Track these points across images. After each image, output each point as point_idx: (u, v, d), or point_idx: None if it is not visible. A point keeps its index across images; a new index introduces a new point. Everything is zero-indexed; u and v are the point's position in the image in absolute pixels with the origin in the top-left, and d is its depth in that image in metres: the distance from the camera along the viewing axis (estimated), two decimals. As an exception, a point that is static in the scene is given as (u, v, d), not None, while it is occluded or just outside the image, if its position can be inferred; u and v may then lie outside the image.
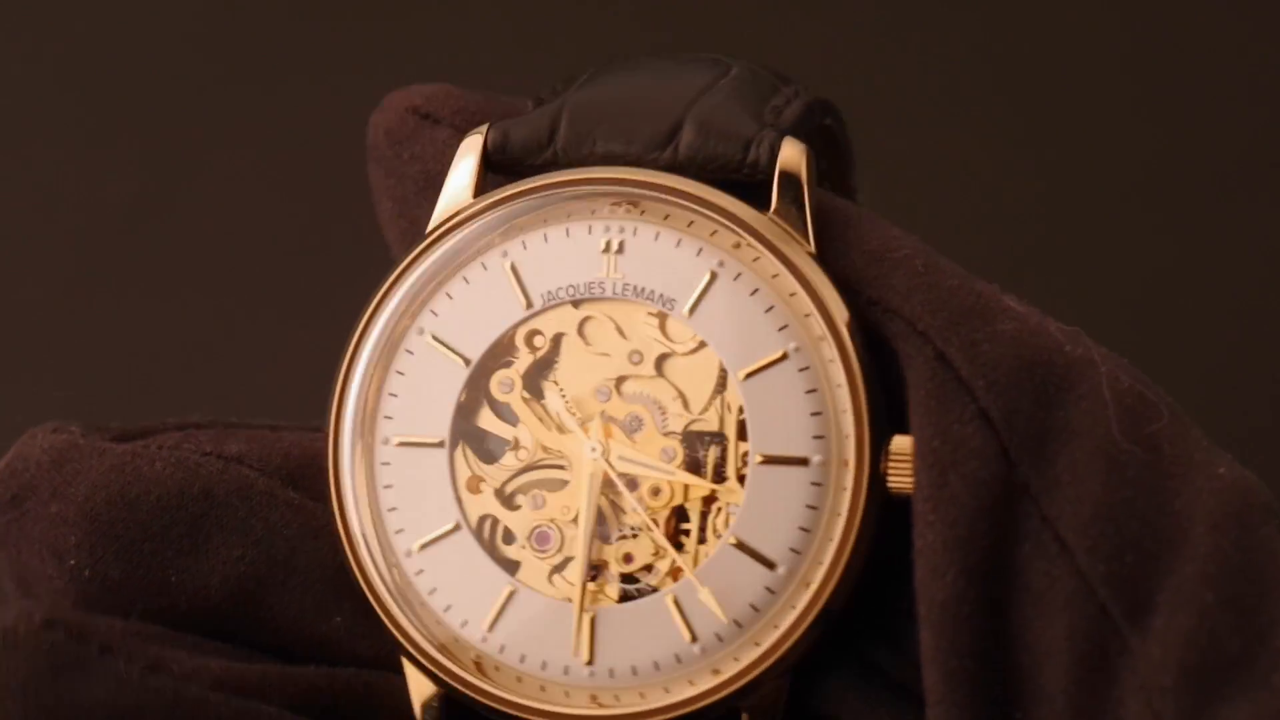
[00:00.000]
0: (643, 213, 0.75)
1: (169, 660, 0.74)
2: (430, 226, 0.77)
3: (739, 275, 0.75)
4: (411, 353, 0.76)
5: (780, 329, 0.74)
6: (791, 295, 0.74)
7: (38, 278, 1.44)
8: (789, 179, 0.75)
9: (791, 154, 0.75)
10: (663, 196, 0.75)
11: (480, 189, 0.77)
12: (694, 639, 0.74)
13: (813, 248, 0.75)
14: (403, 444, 0.76)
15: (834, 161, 0.85)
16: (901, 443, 0.73)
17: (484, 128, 0.77)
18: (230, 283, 1.44)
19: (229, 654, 0.76)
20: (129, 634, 0.75)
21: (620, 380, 0.76)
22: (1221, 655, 0.67)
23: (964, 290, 0.73)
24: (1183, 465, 0.70)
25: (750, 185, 0.75)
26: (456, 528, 0.75)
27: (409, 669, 0.76)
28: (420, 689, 0.76)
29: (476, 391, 0.76)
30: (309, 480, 0.78)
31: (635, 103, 0.77)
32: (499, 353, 0.76)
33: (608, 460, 0.75)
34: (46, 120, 1.47)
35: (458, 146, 0.77)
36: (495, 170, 0.77)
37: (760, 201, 0.75)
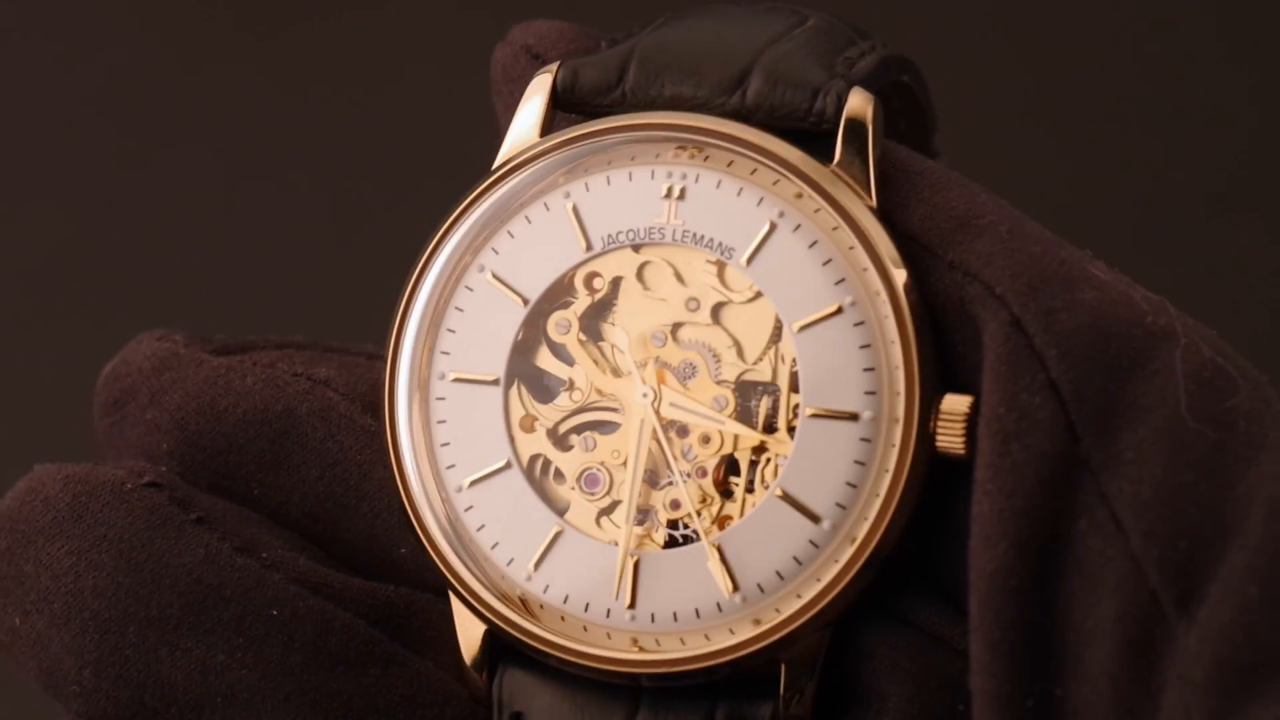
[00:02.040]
0: (706, 158, 0.75)
1: (261, 545, 0.76)
2: (496, 164, 0.77)
3: (798, 227, 0.74)
4: (471, 289, 0.77)
5: (837, 282, 0.74)
6: (850, 249, 0.74)
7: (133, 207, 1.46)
8: (854, 130, 0.74)
9: (858, 104, 0.74)
10: (726, 144, 0.75)
11: (548, 128, 0.77)
12: (736, 588, 0.74)
13: (874, 201, 0.74)
14: (459, 379, 0.76)
15: (914, 121, 0.84)
16: (953, 402, 0.73)
17: (554, 66, 0.77)
18: (299, 215, 1.45)
19: (317, 558, 0.78)
20: (229, 513, 0.77)
21: (676, 326, 0.76)
22: (1259, 652, 0.66)
23: (1047, 257, 0.72)
24: (1254, 445, 0.69)
25: (816, 135, 0.75)
26: (507, 465, 0.76)
27: (456, 605, 0.76)
28: (466, 625, 0.76)
29: (534, 331, 0.76)
30: None
31: (706, 47, 0.77)
32: (557, 293, 0.76)
33: (659, 406, 0.75)
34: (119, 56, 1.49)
35: None
36: (564, 109, 0.78)
37: (826, 153, 0.75)
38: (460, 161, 0.84)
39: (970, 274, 0.72)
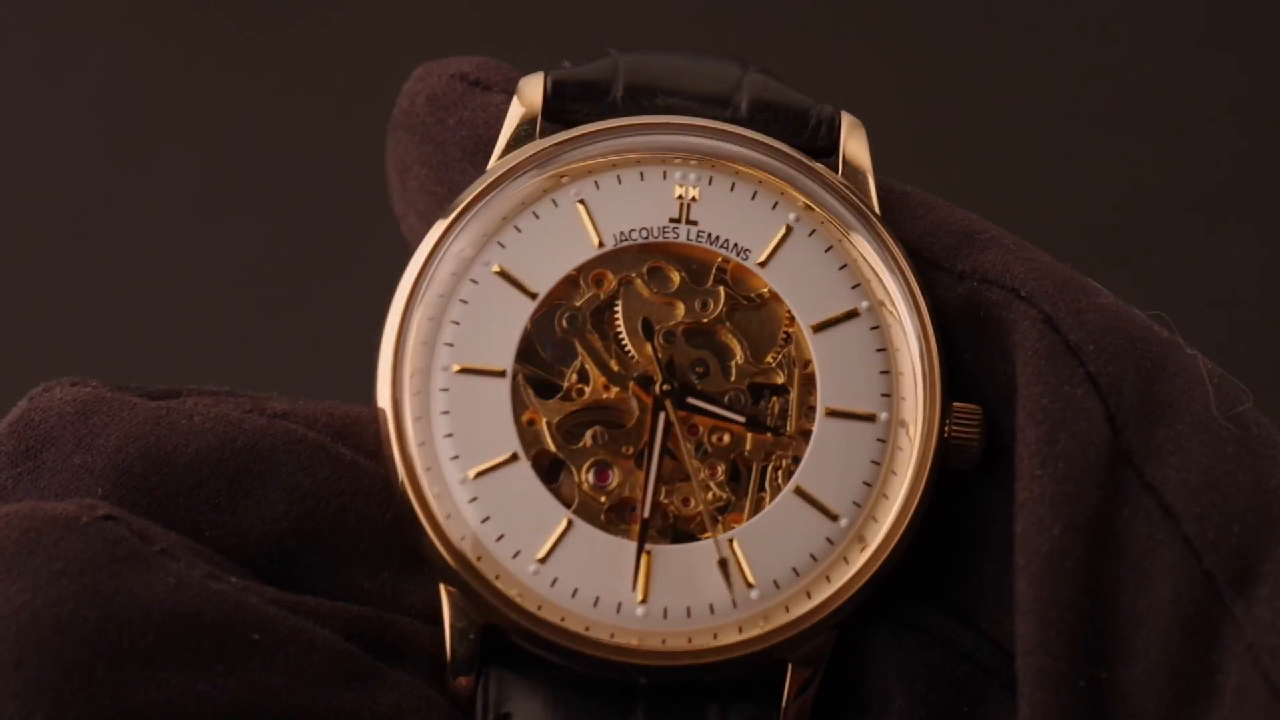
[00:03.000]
0: (714, 164, 0.76)
1: (229, 572, 0.72)
2: (493, 163, 0.77)
3: (813, 232, 0.76)
4: (476, 283, 0.75)
5: (853, 286, 0.75)
6: (860, 257, 0.76)
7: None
8: (854, 146, 0.77)
9: (852, 123, 0.77)
10: (736, 146, 0.76)
11: (543, 130, 0.77)
12: (749, 584, 0.74)
13: (878, 210, 0.76)
14: (463, 370, 0.75)
15: None
16: (964, 408, 0.74)
17: (539, 75, 0.77)
18: (278, 226, 1.44)
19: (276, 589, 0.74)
20: (188, 546, 0.73)
21: (688, 325, 0.76)
22: None
23: (1058, 266, 0.75)
24: (1270, 446, 0.72)
25: (811, 152, 0.77)
26: (514, 458, 0.74)
27: (447, 601, 0.74)
28: (458, 621, 0.74)
29: (542, 325, 0.76)
30: (357, 437, 0.76)
31: (686, 69, 0.78)
32: (566, 289, 0.76)
33: (671, 403, 0.75)
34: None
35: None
36: (551, 119, 0.77)
37: (824, 164, 0.77)
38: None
39: (988, 280, 0.74)
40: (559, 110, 0.77)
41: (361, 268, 0.78)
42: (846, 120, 0.77)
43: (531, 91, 0.78)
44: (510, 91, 0.78)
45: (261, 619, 0.71)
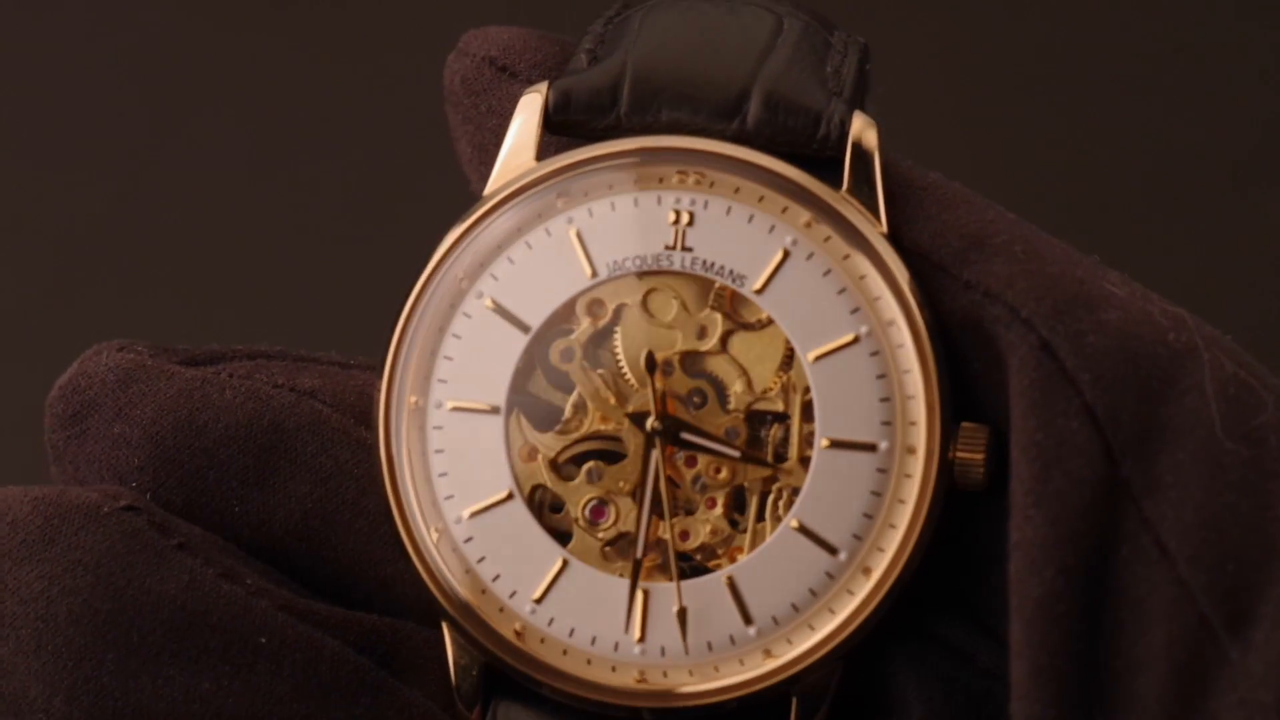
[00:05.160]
0: (712, 185, 0.74)
1: (243, 573, 0.74)
2: (490, 189, 0.75)
3: (811, 255, 0.73)
4: (469, 316, 0.74)
5: (852, 312, 0.73)
6: (862, 278, 0.73)
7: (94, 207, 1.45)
8: (861, 157, 0.73)
9: (862, 129, 0.74)
10: (733, 170, 0.73)
11: (541, 151, 0.75)
12: (749, 620, 0.73)
13: (885, 228, 0.73)
14: (456, 408, 0.74)
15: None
16: (970, 431, 0.72)
17: (543, 87, 0.75)
18: (288, 240, 1.44)
19: (295, 590, 0.75)
20: (208, 540, 0.74)
21: (684, 355, 0.74)
22: None
23: (1067, 278, 0.71)
24: None
25: (819, 160, 0.74)
26: (509, 496, 0.74)
27: (450, 638, 0.74)
28: (460, 658, 0.74)
29: (535, 359, 0.74)
30: None
31: (699, 65, 0.75)
32: (560, 320, 0.74)
33: (668, 436, 0.74)
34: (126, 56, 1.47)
35: None
36: (554, 131, 0.75)
37: (830, 177, 0.74)
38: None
39: (990, 295, 0.71)
40: (561, 124, 0.75)
41: (413, 221, 0.77)
42: (858, 123, 0.74)
43: (532, 105, 0.75)
44: (533, 81, 0.77)
45: (270, 623, 0.73)
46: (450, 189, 0.81)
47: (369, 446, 0.75)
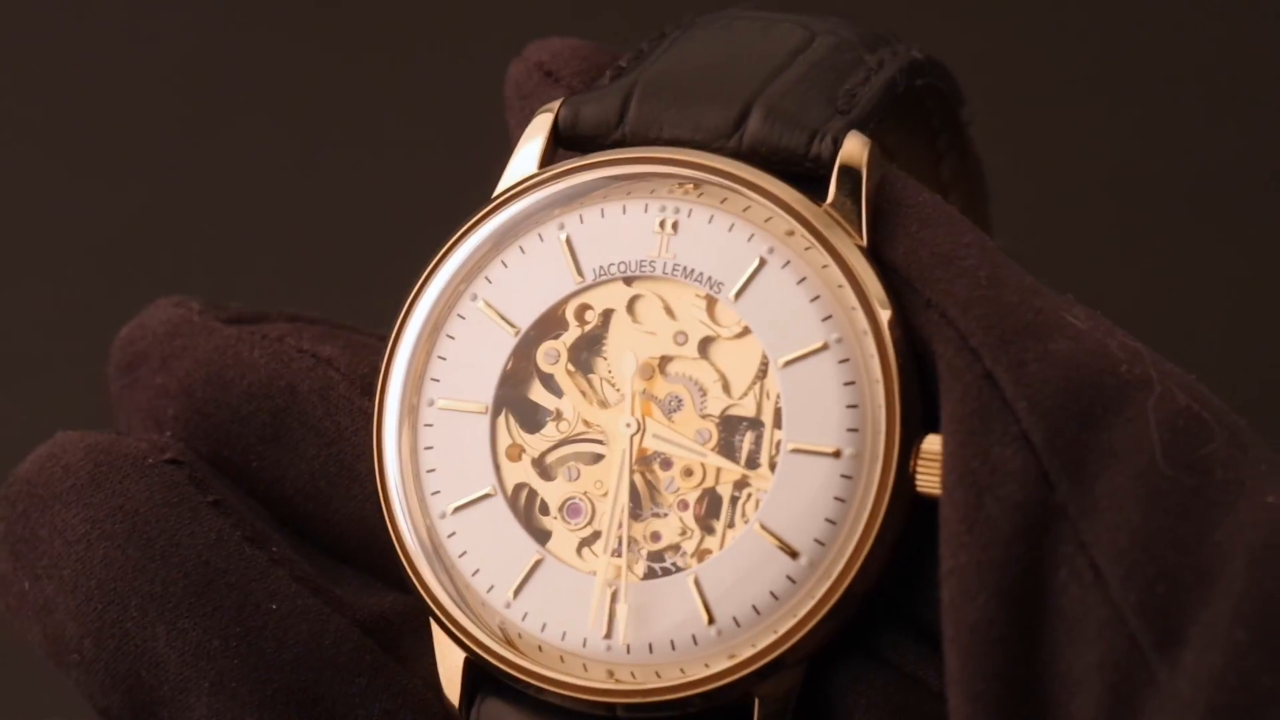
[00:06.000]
0: (700, 194, 0.76)
1: (270, 540, 0.77)
2: (495, 194, 0.78)
3: (788, 263, 0.75)
4: (463, 317, 0.77)
5: (824, 319, 0.74)
6: (839, 287, 0.74)
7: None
8: (848, 172, 0.75)
9: (853, 148, 0.75)
10: (721, 180, 0.75)
11: (546, 162, 0.78)
12: (712, 621, 0.74)
13: (864, 241, 0.74)
14: (446, 408, 0.77)
15: (943, 113, 0.87)
16: (933, 443, 0.73)
17: (555, 105, 0.78)
18: (290, 241, 1.47)
19: (320, 564, 0.79)
20: (242, 502, 0.78)
21: (664, 360, 0.76)
22: (1252, 696, 0.65)
23: (1023, 307, 0.72)
24: (1231, 492, 0.68)
25: (813, 177, 0.75)
26: (491, 494, 0.76)
27: (436, 632, 0.76)
28: (446, 653, 0.76)
29: (523, 361, 0.77)
30: None
31: (706, 84, 0.77)
32: (548, 324, 0.77)
33: (643, 437, 0.76)
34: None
35: None
36: (565, 146, 0.78)
37: (821, 190, 0.75)
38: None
39: (946, 317, 0.72)
40: (570, 139, 0.78)
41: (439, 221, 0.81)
42: (851, 142, 0.75)
43: (543, 123, 0.78)
44: (574, 88, 0.80)
45: (283, 591, 0.76)
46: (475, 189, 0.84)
47: (369, 415, 0.78)
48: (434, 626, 0.77)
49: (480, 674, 0.76)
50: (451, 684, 0.77)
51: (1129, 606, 0.67)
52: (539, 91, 0.81)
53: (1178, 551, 0.67)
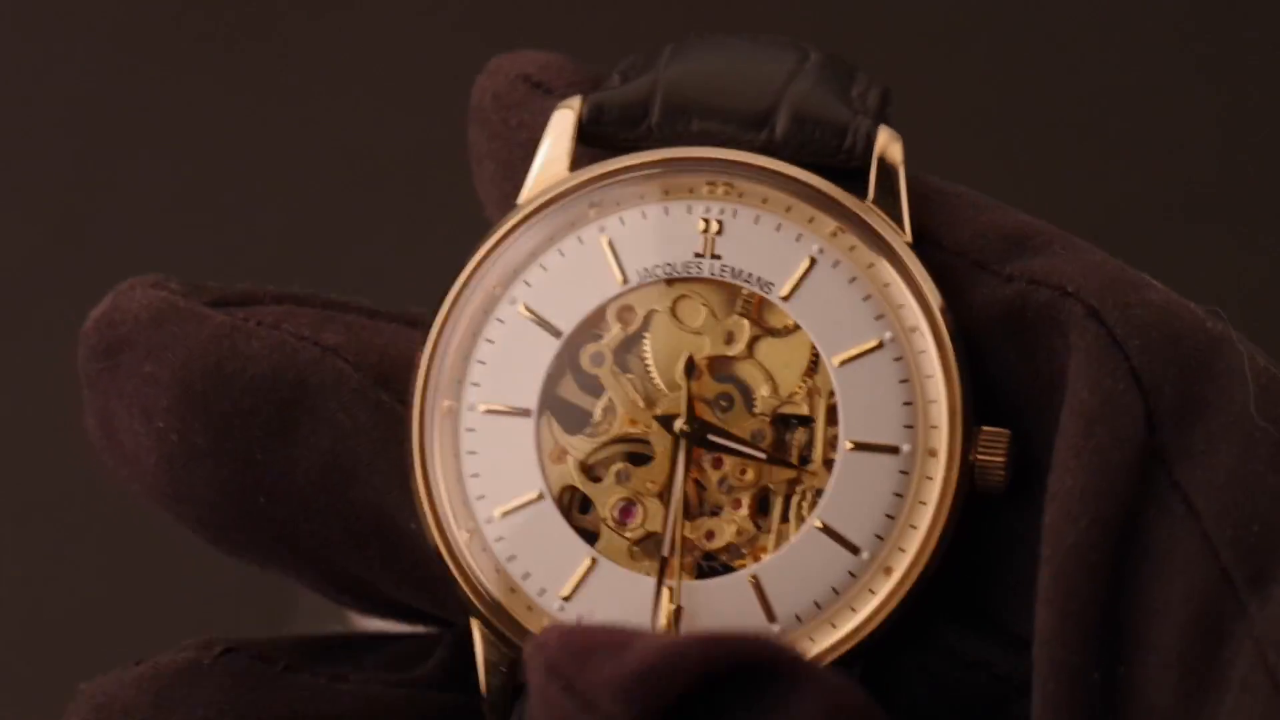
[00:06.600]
0: (740, 195, 0.76)
1: (347, 674, 0.77)
2: (524, 197, 0.77)
3: (837, 263, 0.75)
4: (502, 321, 0.76)
5: (877, 318, 0.75)
6: (886, 285, 0.75)
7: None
8: (885, 167, 0.76)
9: (887, 141, 0.76)
10: (761, 179, 0.76)
11: (575, 161, 0.77)
12: (772, 618, 0.74)
13: (909, 237, 0.75)
14: (489, 411, 0.76)
15: None
16: (992, 435, 0.74)
17: (576, 100, 0.78)
18: (323, 246, 1.46)
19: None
20: (303, 650, 0.78)
21: (711, 359, 0.76)
22: None
23: (1109, 263, 0.74)
24: None
25: (845, 172, 0.76)
26: (540, 497, 0.76)
27: (478, 636, 0.76)
28: (490, 655, 0.76)
29: (566, 363, 0.76)
30: (400, 382, 0.78)
31: (729, 82, 0.78)
32: (591, 326, 0.76)
33: (695, 438, 0.75)
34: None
35: None
36: (588, 143, 0.78)
37: (854, 187, 0.76)
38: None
39: (1036, 281, 0.74)
40: (594, 135, 0.78)
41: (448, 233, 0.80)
42: (883, 136, 0.76)
43: (566, 118, 0.78)
44: (568, 97, 0.79)
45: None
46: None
47: (386, 408, 0.77)
48: (476, 631, 0.76)
49: (525, 676, 0.74)
50: (495, 688, 0.76)
51: (1222, 541, 0.69)
52: (527, 103, 0.80)
53: (1270, 498, 0.70)
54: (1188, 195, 1.51)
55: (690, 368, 0.76)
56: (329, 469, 0.78)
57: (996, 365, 0.75)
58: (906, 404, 0.74)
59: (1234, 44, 1.56)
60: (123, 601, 1.65)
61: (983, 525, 0.75)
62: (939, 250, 0.76)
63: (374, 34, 1.60)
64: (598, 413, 0.76)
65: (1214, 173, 1.52)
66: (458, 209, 0.84)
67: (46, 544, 1.70)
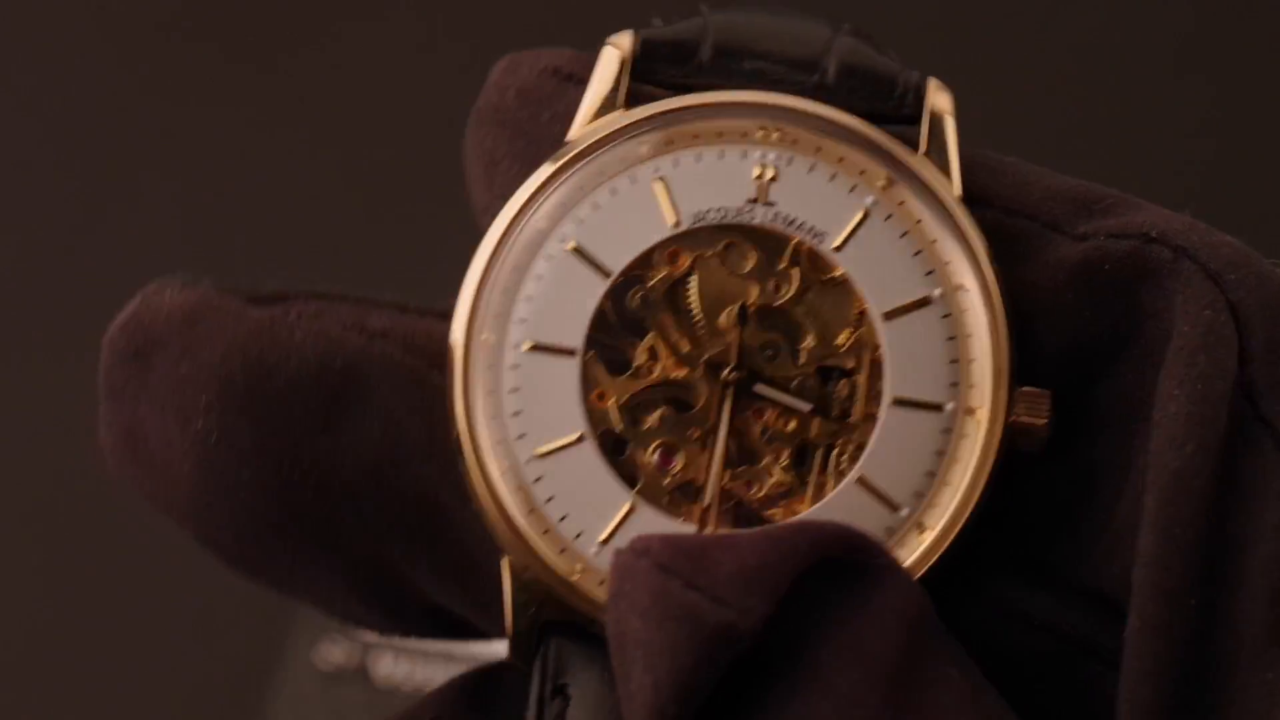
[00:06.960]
0: (795, 143, 0.76)
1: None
2: (573, 135, 0.77)
3: (890, 216, 0.75)
4: (551, 258, 0.76)
5: (927, 274, 0.75)
6: (934, 241, 0.75)
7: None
8: (936, 119, 0.76)
9: (937, 92, 0.76)
10: (815, 126, 0.75)
11: (628, 98, 0.77)
12: None
13: (959, 190, 0.75)
14: (535, 348, 0.75)
15: None
16: (1032, 395, 0.74)
17: (626, 38, 0.77)
18: (366, 183, 1.45)
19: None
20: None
21: (760, 307, 0.76)
22: None
23: (1178, 217, 0.74)
24: None
25: (895, 120, 0.76)
26: (581, 439, 0.75)
27: (508, 574, 0.75)
28: (520, 594, 0.75)
29: (613, 304, 0.76)
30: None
31: (778, 28, 0.77)
32: (640, 267, 0.76)
33: (738, 386, 0.75)
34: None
35: None
36: (639, 79, 0.77)
37: (907, 142, 0.76)
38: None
39: (1114, 235, 0.73)
40: (646, 70, 0.77)
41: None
42: (933, 85, 0.76)
43: (613, 56, 0.77)
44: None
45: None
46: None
47: (439, 389, 0.76)
48: (506, 568, 0.75)
49: (553, 620, 0.75)
50: (522, 626, 0.75)
51: None
52: (560, 95, 0.78)
53: None
54: (1188, 195, 1.52)
55: (743, 314, 0.75)
56: (380, 461, 0.76)
57: (1065, 323, 0.74)
58: (952, 361, 0.74)
59: (1234, 44, 1.56)
60: (123, 609, 1.64)
61: (1028, 486, 0.74)
62: (1008, 214, 0.75)
63: (375, 38, 1.59)
64: (642, 356, 0.75)
65: (1214, 172, 1.52)
66: (459, 216, 0.82)
67: (46, 553, 1.69)
